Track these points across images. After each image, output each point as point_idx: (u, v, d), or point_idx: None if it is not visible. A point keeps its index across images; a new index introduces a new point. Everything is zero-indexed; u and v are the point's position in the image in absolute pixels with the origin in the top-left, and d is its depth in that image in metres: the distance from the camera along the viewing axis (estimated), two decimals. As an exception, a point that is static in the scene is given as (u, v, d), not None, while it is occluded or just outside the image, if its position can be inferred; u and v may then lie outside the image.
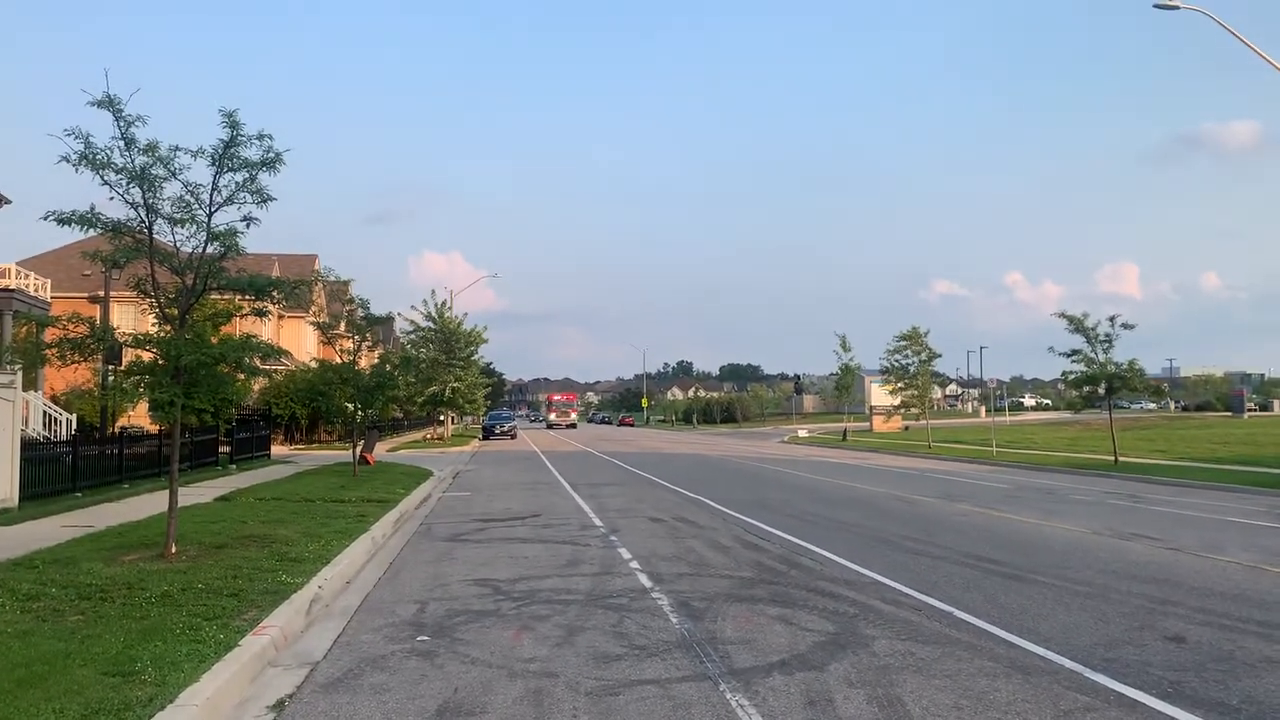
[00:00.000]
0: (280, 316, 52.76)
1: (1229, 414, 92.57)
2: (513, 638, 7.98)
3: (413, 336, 56.62)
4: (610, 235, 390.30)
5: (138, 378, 11.55)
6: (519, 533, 14.92)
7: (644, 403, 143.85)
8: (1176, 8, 23.64)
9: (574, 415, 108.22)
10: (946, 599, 9.50)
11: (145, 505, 16.73)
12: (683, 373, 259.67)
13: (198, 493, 19.18)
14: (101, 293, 34.26)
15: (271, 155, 11.25)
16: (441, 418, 63.39)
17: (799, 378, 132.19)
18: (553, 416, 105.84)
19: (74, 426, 30.07)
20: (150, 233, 11.09)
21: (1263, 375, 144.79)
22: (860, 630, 8.19)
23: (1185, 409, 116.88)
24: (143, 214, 10.95)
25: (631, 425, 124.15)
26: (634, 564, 11.72)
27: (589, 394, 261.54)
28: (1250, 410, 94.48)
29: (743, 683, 6.60)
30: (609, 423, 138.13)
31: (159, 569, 10.03)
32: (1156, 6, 23.81)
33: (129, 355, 13.21)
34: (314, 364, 33.48)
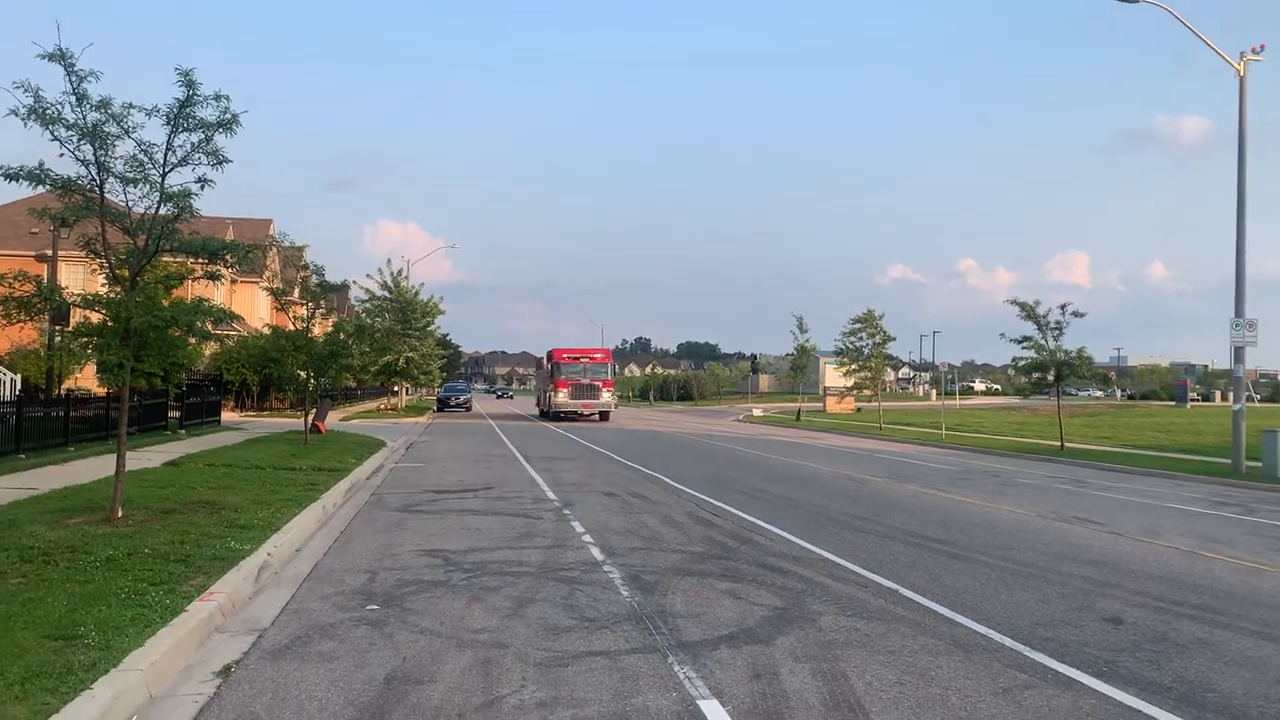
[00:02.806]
0: (233, 281, 51.99)
1: (1173, 403, 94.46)
2: (463, 608, 7.99)
3: (368, 305, 56.01)
4: (570, 210, 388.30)
5: (86, 339, 11.36)
6: (472, 505, 14.91)
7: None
8: (1137, 1, 23.92)
9: (607, 394, 51.71)
10: (892, 577, 9.66)
11: (91, 469, 16.47)
12: (641, 349, 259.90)
13: (146, 457, 18.92)
14: (49, 251, 33.53)
15: (228, 116, 11.05)
16: (396, 388, 62.94)
17: (755, 357, 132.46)
18: (563, 395, 50.01)
19: (18, 387, 29.47)
20: (101, 191, 10.88)
21: (1206, 366, 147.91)
22: (807, 606, 8.30)
23: (1131, 397, 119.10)
24: (94, 172, 10.72)
25: None
26: (586, 537, 11.77)
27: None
28: (1193, 400, 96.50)
29: (691, 655, 6.68)
30: None
31: (104, 533, 9.90)
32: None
33: (77, 316, 12.98)
34: (267, 330, 33.03)
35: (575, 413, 49.75)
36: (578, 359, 50.90)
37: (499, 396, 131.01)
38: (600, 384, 49.90)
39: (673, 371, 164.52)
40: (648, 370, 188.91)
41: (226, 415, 37.81)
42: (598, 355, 52.35)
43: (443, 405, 63.48)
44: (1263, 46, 24.18)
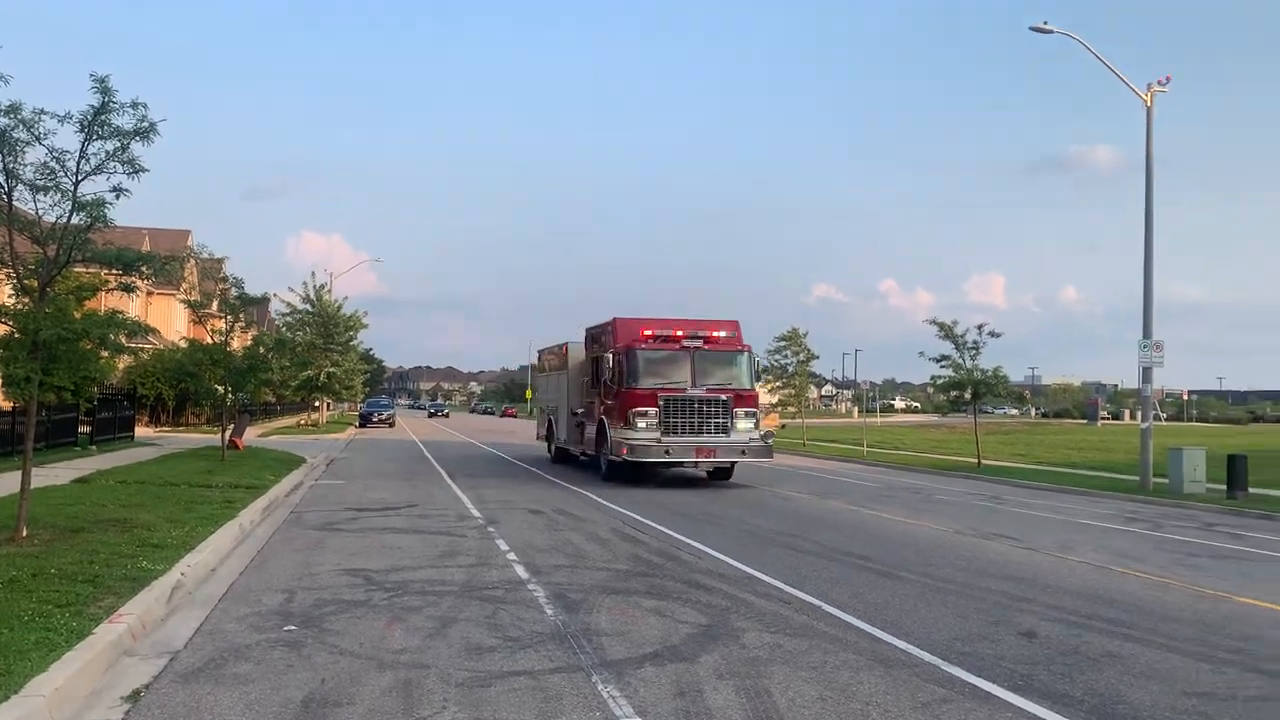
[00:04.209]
0: (149, 293, 50.58)
1: (1085, 421, 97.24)
2: (384, 628, 7.86)
3: (289, 319, 54.97)
4: (498, 225, 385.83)
5: (-10, 351, 10.93)
6: (394, 523, 14.69)
7: (528, 394, 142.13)
8: (1051, 31, 24.69)
9: (747, 422, 22.34)
10: (816, 593, 9.75)
11: (-6, 486, 15.84)
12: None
13: (54, 473, 18.27)
14: (-48, 260, 32.34)
15: (145, 124, 10.77)
16: (317, 404, 61.84)
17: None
18: (644, 426, 21.41)
19: (-83, 401, 28.27)
20: (9, 198, 10.52)
21: (1116, 386, 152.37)
22: (732, 623, 8.34)
23: (1045, 415, 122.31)
24: (1, 179, 10.37)
25: (514, 416, 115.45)
26: (511, 556, 11.68)
27: (472, 383, 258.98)
28: (1104, 419, 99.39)
29: (615, 674, 6.66)
30: (491, 413, 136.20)
31: (7, 553, 9.53)
32: (1032, 29, 24.84)
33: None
34: (183, 343, 32.22)
35: (673, 462, 22.30)
36: (677, 340, 22.60)
37: (433, 414, 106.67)
38: (731, 396, 22.25)
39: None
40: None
41: (141, 430, 36.73)
42: (719, 333, 23.29)
43: (365, 421, 62.51)
44: (1168, 79, 25.12)
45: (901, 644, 7.77)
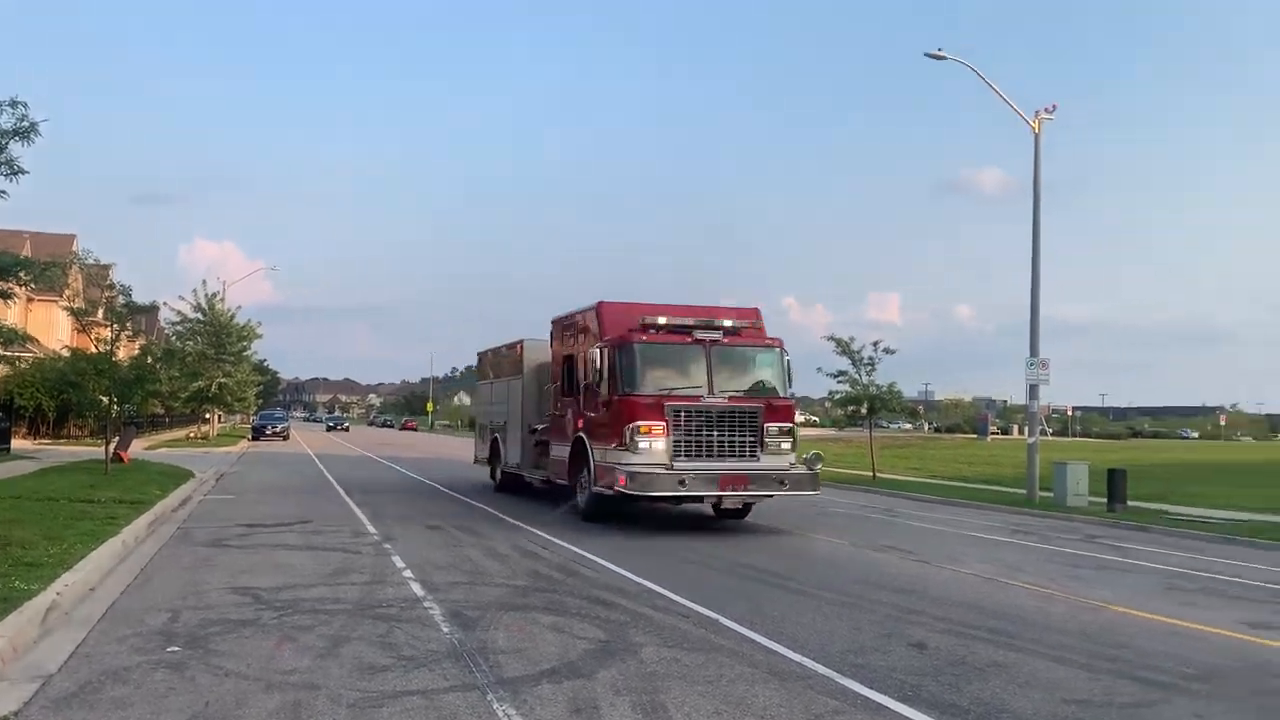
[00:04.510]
0: (30, 299, 48.47)
1: (975, 436, 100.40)
2: (273, 648, 7.64)
3: (179, 328, 53.28)
4: (400, 231, 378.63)
5: None
6: (286, 539, 14.32)
7: (429, 407, 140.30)
8: (944, 58, 25.50)
9: (785, 443, 17.05)
10: (714, 607, 9.80)
11: None
12: (473, 378, 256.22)
13: (-81, 489, 17.33)
14: None
15: (25, 124, 10.40)
16: (208, 415, 59.99)
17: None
18: (646, 450, 15.90)
19: None
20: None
21: (1005, 401, 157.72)
22: (630, 638, 8.34)
23: (938, 430, 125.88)
24: None
25: (415, 430, 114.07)
26: (407, 573, 11.48)
27: (371, 395, 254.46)
28: (993, 433, 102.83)
29: (511, 692, 6.59)
30: (391, 426, 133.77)
31: None
32: (927, 55, 25.63)
33: None
34: (66, 352, 30.91)
35: (690, 496, 16.56)
36: (687, 331, 17.28)
37: (332, 428, 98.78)
38: (762, 406, 16.88)
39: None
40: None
41: (18, 443, 35.09)
42: (742, 323, 18.17)
43: (258, 433, 60.89)
44: (1054, 107, 26.14)
45: (797, 657, 7.87)
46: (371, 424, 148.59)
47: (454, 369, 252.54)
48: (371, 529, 15.72)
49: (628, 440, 15.95)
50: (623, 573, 11.89)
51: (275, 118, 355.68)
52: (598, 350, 16.99)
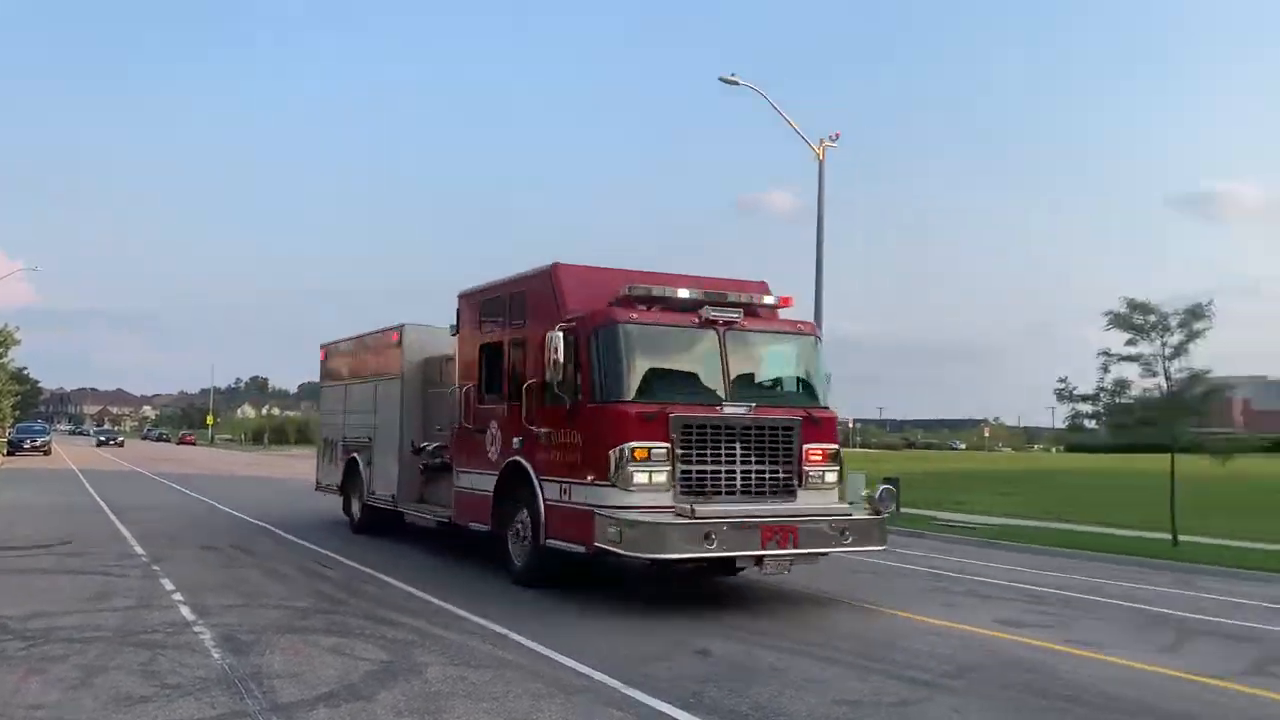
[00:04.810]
0: None
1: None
2: (18, 681, 7.02)
3: (-76, 334, 48.55)
4: (180, 231, 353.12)
5: None
6: (42, 563, 13.22)
7: (209, 420, 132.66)
8: (737, 83, 26.38)
9: (831, 474, 11.75)
10: (504, 622, 9.70)
11: None
12: (257, 389, 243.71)
13: None
14: None
15: None
16: (-44, 429, 54.81)
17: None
18: (642, 474, 10.34)
19: None
20: None
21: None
22: (415, 657, 8.14)
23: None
24: None
25: (193, 444, 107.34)
26: (177, 596, 10.80)
27: (145, 407, 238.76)
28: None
29: (285, 718, 6.31)
30: (167, 440, 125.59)
31: None
32: (721, 80, 26.44)
33: None
34: None
35: (719, 558, 10.51)
36: (691, 308, 11.55)
37: (104, 443, 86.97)
38: (800, 420, 11.46)
39: (292, 413, 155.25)
40: (264, 411, 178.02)
41: None
42: (765, 299, 12.52)
43: (15, 448, 56.05)
44: (838, 135, 27.49)
45: (585, 669, 7.88)
46: (145, 438, 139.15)
47: (238, 379, 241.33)
48: (139, 550, 14.72)
49: (613, 470, 10.44)
50: (411, 589, 11.57)
51: (48, 111, 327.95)
52: (559, 335, 11.02)
